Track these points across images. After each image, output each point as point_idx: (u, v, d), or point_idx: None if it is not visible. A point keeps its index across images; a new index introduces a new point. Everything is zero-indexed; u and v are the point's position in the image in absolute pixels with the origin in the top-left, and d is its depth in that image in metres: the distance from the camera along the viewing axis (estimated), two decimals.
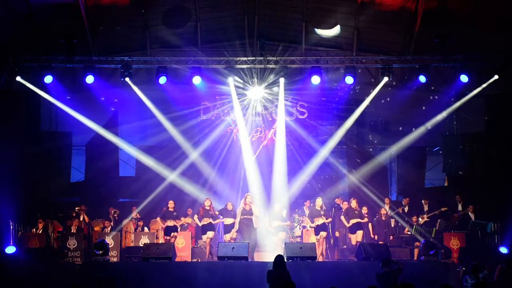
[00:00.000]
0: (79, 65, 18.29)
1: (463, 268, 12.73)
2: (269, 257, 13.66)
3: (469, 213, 16.99)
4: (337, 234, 17.03)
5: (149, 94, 19.22)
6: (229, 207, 16.13)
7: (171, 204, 16.31)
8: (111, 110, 20.01)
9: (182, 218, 16.97)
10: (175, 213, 16.24)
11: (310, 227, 16.08)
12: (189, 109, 19.91)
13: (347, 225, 16.17)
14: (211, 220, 15.93)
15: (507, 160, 17.38)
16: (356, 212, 16.10)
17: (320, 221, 15.70)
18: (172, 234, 16.07)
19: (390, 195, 20.22)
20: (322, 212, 15.76)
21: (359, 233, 16.02)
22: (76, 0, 17.05)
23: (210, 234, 15.91)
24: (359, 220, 16.03)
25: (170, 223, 16.08)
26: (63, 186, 18.66)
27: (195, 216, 16.33)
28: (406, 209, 17.45)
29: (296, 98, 20.03)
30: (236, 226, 15.75)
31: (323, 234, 15.69)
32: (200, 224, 16.03)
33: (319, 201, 15.99)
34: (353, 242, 16.02)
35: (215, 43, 19.94)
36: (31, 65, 18.11)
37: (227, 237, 15.84)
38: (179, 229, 16.89)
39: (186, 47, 19.54)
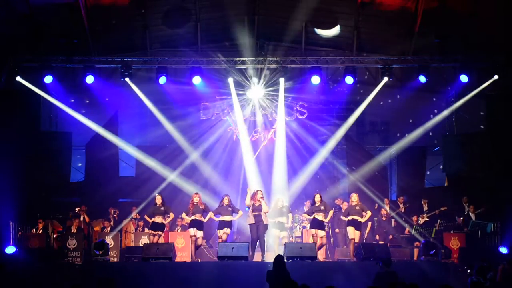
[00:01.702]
0: (79, 65, 18.30)
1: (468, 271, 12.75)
2: (272, 257, 13.59)
3: (470, 213, 16.98)
4: (337, 230, 16.82)
5: (149, 94, 19.22)
6: (225, 201, 15.28)
7: (158, 199, 15.57)
8: (112, 110, 19.98)
9: (181, 216, 16.88)
10: (162, 208, 15.45)
11: (307, 220, 15.76)
12: (189, 109, 19.91)
13: (346, 219, 15.32)
14: (201, 218, 15.24)
15: (507, 160, 17.39)
16: (357, 208, 15.26)
17: (319, 216, 15.01)
18: (157, 232, 15.32)
19: (390, 195, 20.23)
20: (322, 208, 15.09)
21: (357, 233, 15.13)
22: (76, 0, 17.06)
23: (199, 233, 15.18)
24: (358, 218, 15.14)
25: (158, 219, 15.32)
26: (63, 186, 18.68)
27: (183, 214, 15.63)
28: (401, 206, 17.42)
29: (296, 98, 20.04)
30: (251, 220, 14.91)
31: (320, 233, 15.03)
32: (189, 220, 15.31)
33: (317, 197, 15.25)
34: (350, 236, 15.15)
35: (215, 43, 19.95)
36: (31, 65, 18.11)
37: (221, 232, 15.03)
38: (179, 228, 16.84)
39: (186, 47, 19.56)
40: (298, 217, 17.61)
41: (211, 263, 14.86)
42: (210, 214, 15.47)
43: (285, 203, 16.60)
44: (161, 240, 15.92)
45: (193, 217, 15.27)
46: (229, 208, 15.28)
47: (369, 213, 15.67)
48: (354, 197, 15.47)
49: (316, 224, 15.15)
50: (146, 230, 17.56)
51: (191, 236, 15.31)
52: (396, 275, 11.23)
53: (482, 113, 18.82)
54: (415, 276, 12.37)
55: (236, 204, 16.56)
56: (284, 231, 16.07)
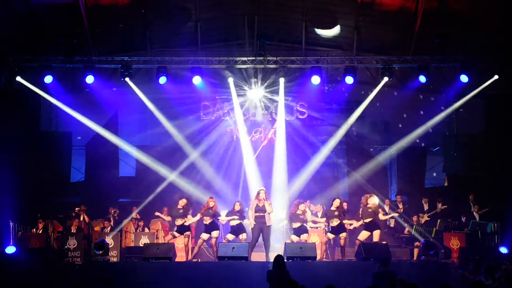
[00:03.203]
0: (79, 65, 18.29)
1: (467, 272, 12.74)
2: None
3: (474, 213, 16.96)
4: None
5: (149, 94, 19.22)
6: (237, 207, 15.22)
7: (181, 202, 15.30)
8: (112, 110, 19.96)
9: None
10: (181, 211, 15.26)
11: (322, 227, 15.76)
12: (189, 109, 19.92)
13: (364, 222, 15.07)
14: (209, 220, 15.19)
15: (507, 160, 17.39)
16: (369, 210, 15.05)
17: (334, 222, 15.06)
18: (185, 233, 15.24)
19: (390, 195, 20.22)
20: (336, 213, 15.06)
21: (376, 232, 14.93)
22: (76, 0, 17.06)
23: (214, 233, 15.08)
24: (372, 219, 14.96)
25: (177, 222, 15.26)
26: (63, 186, 18.67)
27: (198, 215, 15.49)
28: (400, 206, 17.41)
29: (296, 98, 20.04)
30: (252, 224, 14.95)
31: (343, 235, 15.00)
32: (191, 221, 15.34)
33: (337, 202, 15.18)
34: (361, 238, 14.98)
35: (215, 43, 19.94)
36: (31, 65, 18.10)
37: (230, 236, 15.02)
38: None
39: (186, 47, 19.56)
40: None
41: (211, 263, 14.86)
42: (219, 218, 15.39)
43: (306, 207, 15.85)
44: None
45: (206, 222, 15.23)
46: (238, 214, 15.17)
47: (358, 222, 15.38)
48: (371, 200, 15.22)
49: (335, 229, 15.14)
50: (146, 230, 17.60)
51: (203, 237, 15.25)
52: (395, 274, 11.24)
53: (482, 113, 18.80)
54: (415, 276, 12.37)
55: (245, 205, 16.39)
56: (304, 233, 15.19)
